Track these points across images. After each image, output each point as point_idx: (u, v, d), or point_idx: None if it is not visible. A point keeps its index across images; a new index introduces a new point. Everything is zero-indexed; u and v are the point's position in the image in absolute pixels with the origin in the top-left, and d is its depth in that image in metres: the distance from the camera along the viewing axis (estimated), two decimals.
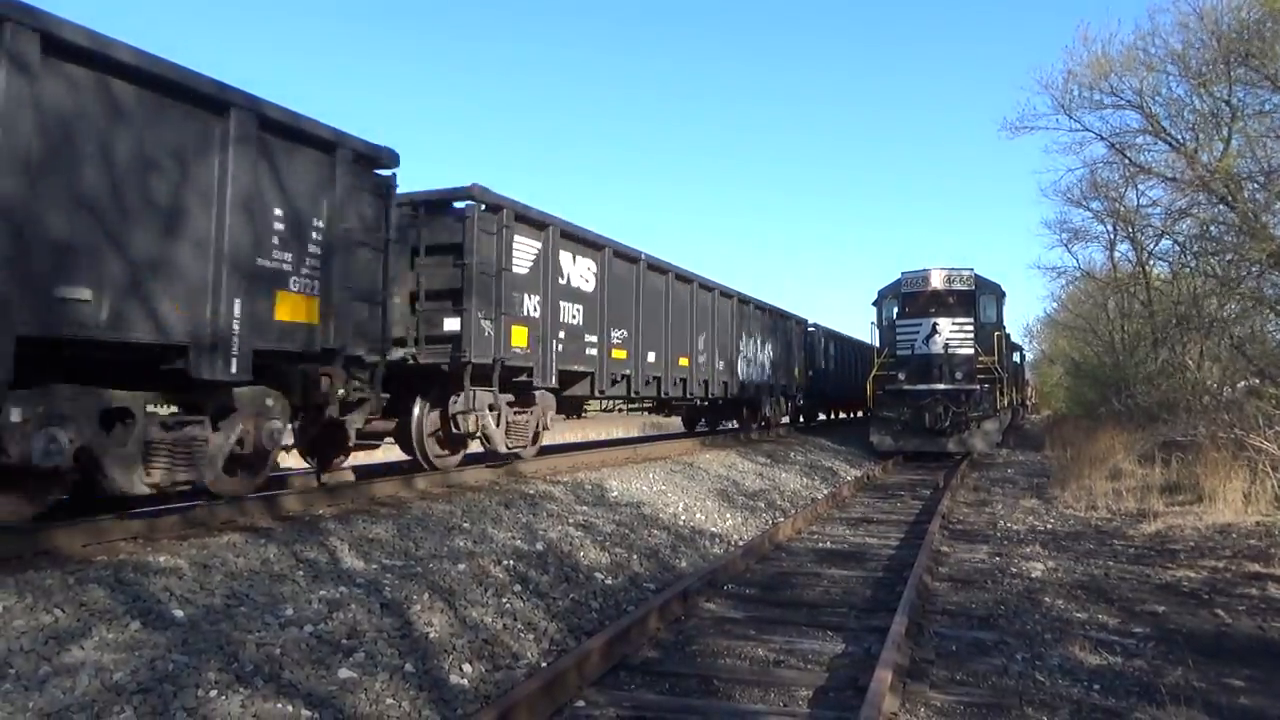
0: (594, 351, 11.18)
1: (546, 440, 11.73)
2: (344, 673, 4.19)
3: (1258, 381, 14.65)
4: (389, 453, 10.40)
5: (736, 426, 19.63)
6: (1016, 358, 32.07)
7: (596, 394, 11.39)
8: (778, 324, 20.65)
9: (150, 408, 5.80)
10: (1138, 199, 23.27)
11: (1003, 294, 20.30)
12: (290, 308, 6.62)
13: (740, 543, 8.82)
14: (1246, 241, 15.61)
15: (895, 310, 19.72)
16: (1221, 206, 17.14)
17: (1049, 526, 10.16)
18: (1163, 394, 20.25)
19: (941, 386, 18.37)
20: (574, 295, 10.65)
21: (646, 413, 17.43)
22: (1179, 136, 19.10)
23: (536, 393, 10.12)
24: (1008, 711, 4.31)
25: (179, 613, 4.35)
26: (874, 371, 19.57)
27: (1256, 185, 16.23)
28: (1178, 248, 21.87)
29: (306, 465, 8.92)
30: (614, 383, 11.85)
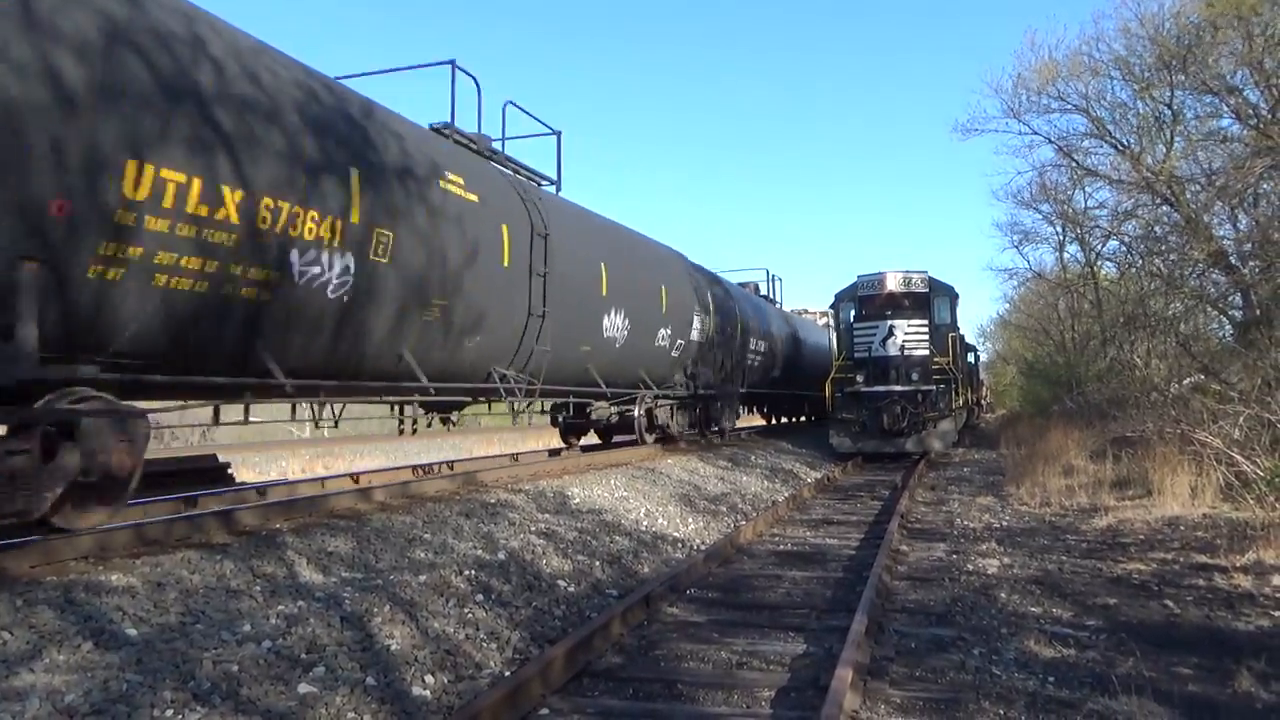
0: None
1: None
2: (304, 688, 4.14)
3: (1202, 377, 15.06)
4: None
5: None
6: (971, 358, 32.59)
7: None
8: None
9: None
10: (1085, 201, 23.94)
11: (956, 296, 20.62)
12: None
13: (702, 547, 8.86)
14: (1189, 241, 16.10)
15: (852, 313, 19.94)
16: (1165, 208, 17.67)
17: (1004, 523, 10.33)
18: (1112, 391, 20.74)
19: (899, 388, 18.60)
20: None
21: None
22: (1123, 140, 19.66)
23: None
24: (966, 705, 4.39)
25: (133, 632, 4.27)
26: (832, 374, 19.78)
27: (1198, 187, 16.75)
28: (1124, 248, 22.55)
29: None
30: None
